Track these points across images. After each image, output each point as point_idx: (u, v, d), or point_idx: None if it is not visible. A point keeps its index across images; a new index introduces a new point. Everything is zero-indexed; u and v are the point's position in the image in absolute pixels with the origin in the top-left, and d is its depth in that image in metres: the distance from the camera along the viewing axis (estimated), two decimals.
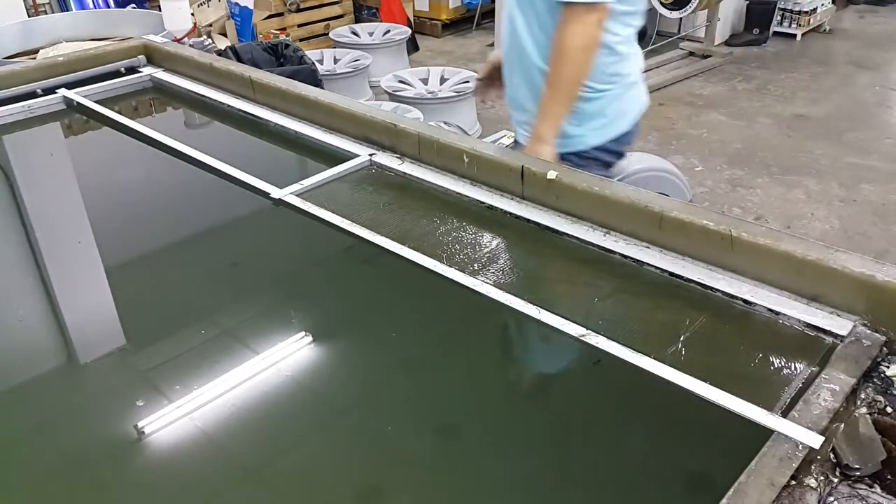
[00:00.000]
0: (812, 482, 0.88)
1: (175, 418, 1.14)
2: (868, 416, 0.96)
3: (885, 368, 1.07)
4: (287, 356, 1.30)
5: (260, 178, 1.74)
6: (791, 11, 6.59)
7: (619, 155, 1.94)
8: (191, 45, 2.56)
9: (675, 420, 1.12)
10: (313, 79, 3.82)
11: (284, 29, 5.38)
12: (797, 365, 1.14)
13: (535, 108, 1.81)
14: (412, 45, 5.67)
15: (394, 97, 4.35)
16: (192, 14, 4.76)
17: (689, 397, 1.07)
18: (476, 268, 1.41)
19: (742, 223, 1.31)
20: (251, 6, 5.05)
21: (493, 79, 2.11)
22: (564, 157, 1.81)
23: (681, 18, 5.99)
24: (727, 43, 6.51)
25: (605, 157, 1.89)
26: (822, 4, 6.75)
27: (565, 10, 1.67)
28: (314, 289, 1.58)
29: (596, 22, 1.67)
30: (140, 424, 1.13)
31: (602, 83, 1.79)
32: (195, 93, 2.31)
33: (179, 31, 3.59)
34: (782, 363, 1.15)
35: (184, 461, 1.10)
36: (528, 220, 1.53)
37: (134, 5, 5.20)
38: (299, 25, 5.57)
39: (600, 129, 1.85)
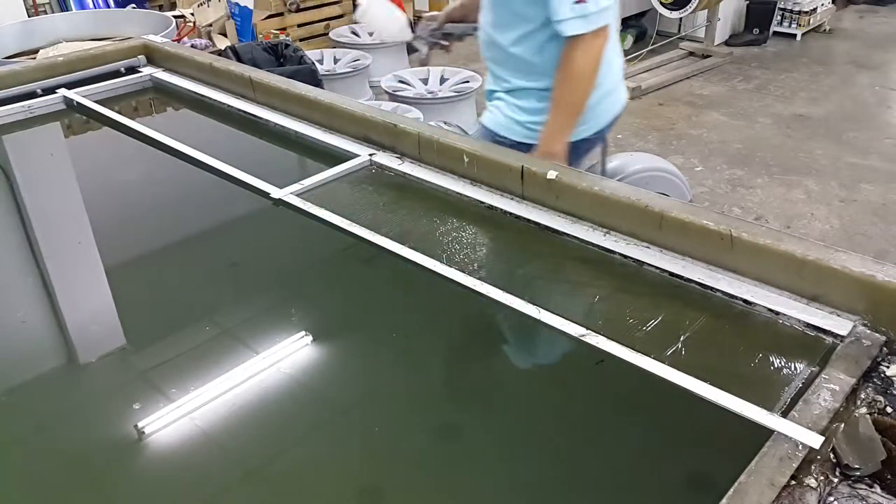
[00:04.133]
0: (812, 482, 0.88)
1: (175, 418, 1.14)
2: (868, 416, 0.96)
3: (885, 368, 1.07)
4: (287, 356, 1.30)
5: (260, 178, 1.74)
6: (791, 11, 6.59)
7: (595, 143, 2.02)
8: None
9: (675, 420, 1.12)
10: (313, 79, 3.82)
11: (284, 29, 5.36)
12: (797, 365, 1.14)
13: (517, 80, 1.88)
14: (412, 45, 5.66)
15: (394, 97, 4.34)
16: (192, 14, 4.77)
17: (689, 397, 1.07)
18: (476, 268, 1.40)
19: (742, 223, 1.31)
20: (251, 6, 5.05)
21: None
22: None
23: (681, 18, 5.99)
24: (727, 43, 6.51)
25: (581, 147, 1.95)
26: (822, 4, 6.75)
27: (574, 41, 1.71)
28: (314, 289, 1.58)
29: (602, 44, 1.75)
30: (140, 424, 1.13)
31: None
32: (195, 93, 2.31)
33: None
34: (782, 363, 1.15)
35: (184, 461, 1.10)
36: (528, 220, 1.53)
37: (134, 5, 5.21)
38: (299, 25, 5.55)
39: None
